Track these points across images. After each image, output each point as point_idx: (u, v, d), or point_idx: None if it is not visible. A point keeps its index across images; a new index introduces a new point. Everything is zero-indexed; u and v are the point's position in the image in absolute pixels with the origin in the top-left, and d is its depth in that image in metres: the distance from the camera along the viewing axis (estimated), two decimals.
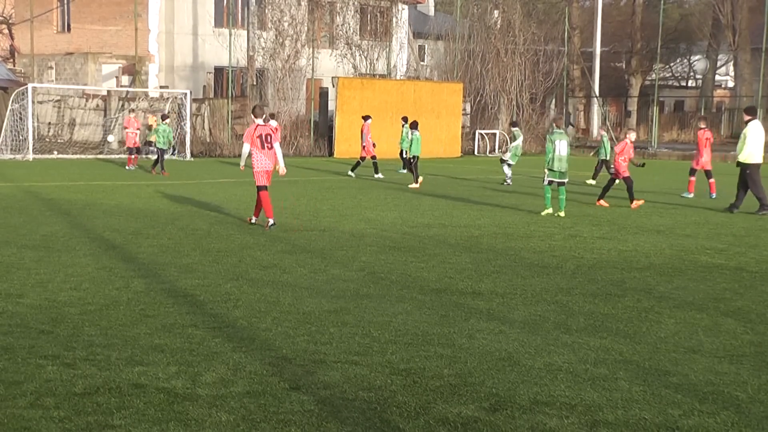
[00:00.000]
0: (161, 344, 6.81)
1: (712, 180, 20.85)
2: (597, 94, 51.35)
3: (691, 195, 20.72)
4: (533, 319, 7.98)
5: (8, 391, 5.64)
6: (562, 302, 8.70)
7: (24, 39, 45.30)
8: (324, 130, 38.74)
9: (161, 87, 39.95)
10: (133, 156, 27.44)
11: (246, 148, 14.13)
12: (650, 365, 6.55)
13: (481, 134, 43.28)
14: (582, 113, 57.21)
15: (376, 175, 25.46)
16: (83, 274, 9.61)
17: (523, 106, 45.68)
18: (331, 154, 37.51)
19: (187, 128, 34.19)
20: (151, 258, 10.74)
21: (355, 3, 44.46)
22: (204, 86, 42.01)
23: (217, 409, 5.41)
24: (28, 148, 30.63)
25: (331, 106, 38.44)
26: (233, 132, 36.99)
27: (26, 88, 31.69)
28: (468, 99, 44.93)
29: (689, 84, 71.42)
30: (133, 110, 31.63)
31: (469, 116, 45.30)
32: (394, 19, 45.89)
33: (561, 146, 16.27)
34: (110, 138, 34.56)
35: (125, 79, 41.43)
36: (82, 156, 32.34)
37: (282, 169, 14.24)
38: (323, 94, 39.57)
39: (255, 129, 13.99)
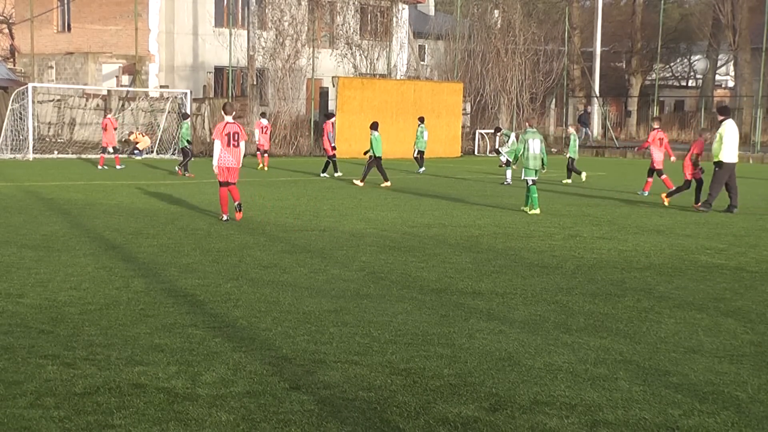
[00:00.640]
0: (161, 344, 6.81)
1: (650, 179, 21.64)
2: (597, 94, 51.34)
3: (647, 193, 21.46)
4: (533, 319, 7.98)
5: (8, 391, 5.64)
6: (562, 302, 8.70)
7: (24, 39, 45.32)
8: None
9: (161, 87, 39.96)
10: (114, 155, 27.42)
11: (217, 145, 14.52)
12: (650, 365, 6.55)
13: (481, 134, 43.29)
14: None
15: (322, 174, 25.29)
16: (83, 274, 9.61)
17: (523, 105, 45.67)
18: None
19: None
20: (151, 258, 10.74)
21: (356, 3, 44.47)
22: (204, 86, 42.02)
23: (217, 409, 5.41)
24: (28, 148, 30.62)
25: (331, 105, 38.43)
26: None
27: (26, 88, 31.68)
28: (468, 99, 44.93)
29: (689, 84, 71.40)
30: (110, 110, 32.09)
31: (469, 116, 45.31)
32: (395, 19, 45.88)
33: (534, 145, 16.81)
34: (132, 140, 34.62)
35: (125, 79, 41.45)
36: (82, 156, 32.32)
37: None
38: (323, 93, 39.58)
39: (224, 126, 14.50)
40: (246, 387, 5.83)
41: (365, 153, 23.80)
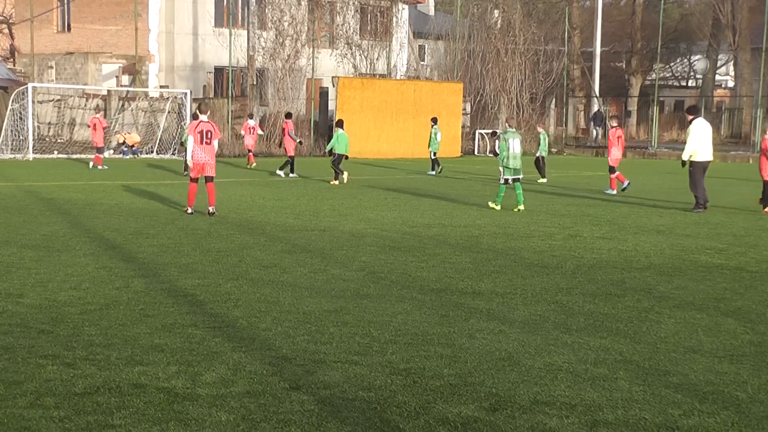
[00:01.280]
0: (161, 344, 6.81)
1: (613, 176, 21.79)
2: (597, 94, 51.35)
3: (614, 192, 21.58)
4: (533, 319, 7.98)
5: (8, 391, 5.64)
6: (562, 302, 8.70)
7: (24, 39, 45.30)
8: (324, 129, 38.73)
9: (161, 87, 39.96)
10: (101, 155, 27.44)
11: (190, 141, 15.26)
12: (650, 365, 6.55)
13: (481, 134, 43.29)
14: (582, 113, 57.23)
15: (278, 171, 25.21)
16: (83, 273, 9.61)
17: (523, 105, 45.68)
18: (331, 153, 37.49)
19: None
20: (151, 258, 10.74)
21: (355, 3, 44.47)
22: (204, 86, 42.02)
23: (217, 409, 5.41)
24: (28, 148, 30.63)
25: (331, 105, 38.43)
26: (233, 132, 36.99)
27: (26, 88, 31.69)
28: (468, 99, 44.93)
29: (689, 84, 71.40)
30: (99, 109, 32.13)
31: (469, 116, 45.30)
32: (395, 19, 45.88)
33: (515, 144, 17.13)
34: (119, 140, 34.58)
35: (125, 79, 41.44)
36: (82, 156, 32.31)
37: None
38: (323, 93, 39.57)
39: (198, 124, 15.20)
40: (246, 387, 5.83)
41: (328, 152, 24.68)
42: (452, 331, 7.44)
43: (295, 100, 40.00)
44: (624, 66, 63.69)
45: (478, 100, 45.36)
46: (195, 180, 15.33)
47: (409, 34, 49.18)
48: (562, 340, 7.22)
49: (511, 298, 8.88)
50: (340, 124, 24.08)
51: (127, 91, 37.94)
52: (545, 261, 11.21)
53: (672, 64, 69.96)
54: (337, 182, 22.96)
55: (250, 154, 29.32)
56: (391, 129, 37.97)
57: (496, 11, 48.40)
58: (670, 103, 65.11)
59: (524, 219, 15.83)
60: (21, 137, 31.14)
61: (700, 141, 17.74)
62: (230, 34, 37.52)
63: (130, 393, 5.65)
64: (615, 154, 21.76)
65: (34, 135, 31.62)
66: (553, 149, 45.39)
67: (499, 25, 47.04)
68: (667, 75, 69.43)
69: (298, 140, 26.32)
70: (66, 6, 45.26)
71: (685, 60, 70.00)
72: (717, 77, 64.99)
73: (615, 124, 22.98)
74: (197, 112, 15.47)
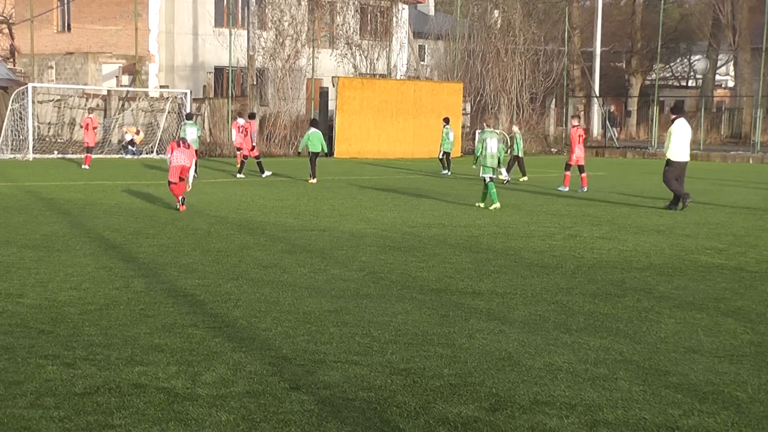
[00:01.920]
0: (161, 344, 6.81)
1: (584, 174, 22.19)
2: (597, 93, 51.34)
3: (566, 189, 21.93)
4: (533, 319, 7.98)
5: (8, 391, 5.64)
6: (562, 302, 8.70)
7: (24, 39, 45.31)
8: (324, 129, 38.67)
9: (161, 87, 39.95)
10: (91, 155, 27.43)
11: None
12: (650, 365, 6.55)
13: None
14: (582, 113, 57.18)
15: (238, 175, 24.85)
16: (83, 274, 9.61)
17: (523, 105, 45.66)
18: (331, 153, 37.49)
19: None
20: (151, 258, 10.74)
21: (355, 3, 44.45)
22: (204, 86, 42.01)
23: (217, 409, 5.41)
24: (28, 148, 30.63)
25: (331, 105, 38.43)
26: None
27: (26, 88, 31.68)
28: (468, 99, 44.91)
29: (689, 84, 71.42)
30: (92, 109, 32.15)
31: (469, 116, 45.29)
32: (394, 19, 45.87)
33: (491, 144, 17.54)
34: (128, 137, 34.54)
35: (125, 79, 41.44)
36: (82, 156, 32.27)
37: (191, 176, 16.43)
38: (323, 93, 39.56)
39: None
40: (246, 387, 5.83)
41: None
42: (452, 331, 7.44)
43: (295, 100, 39.99)
44: (624, 66, 63.72)
45: (478, 100, 45.34)
46: (174, 183, 16.12)
47: (409, 34, 49.17)
48: (562, 340, 7.22)
49: (511, 298, 8.88)
50: (313, 123, 24.31)
51: (127, 91, 37.94)
52: (545, 261, 11.21)
53: (672, 64, 69.98)
54: (314, 181, 23.01)
55: (239, 153, 29.02)
56: (391, 129, 37.95)
57: (496, 11, 48.37)
58: (670, 103, 64.88)
59: (524, 219, 15.84)
60: (21, 137, 31.14)
61: (681, 141, 17.80)
62: (230, 34, 37.51)
63: (130, 393, 5.65)
64: (578, 152, 22.11)
65: (34, 135, 31.61)
66: (553, 149, 45.43)
67: (499, 25, 47.00)
68: (667, 75, 69.45)
69: (253, 144, 26.09)
70: (66, 6, 45.26)
71: (685, 60, 70.03)
72: (717, 77, 65.01)
73: (576, 123, 23.28)
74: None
